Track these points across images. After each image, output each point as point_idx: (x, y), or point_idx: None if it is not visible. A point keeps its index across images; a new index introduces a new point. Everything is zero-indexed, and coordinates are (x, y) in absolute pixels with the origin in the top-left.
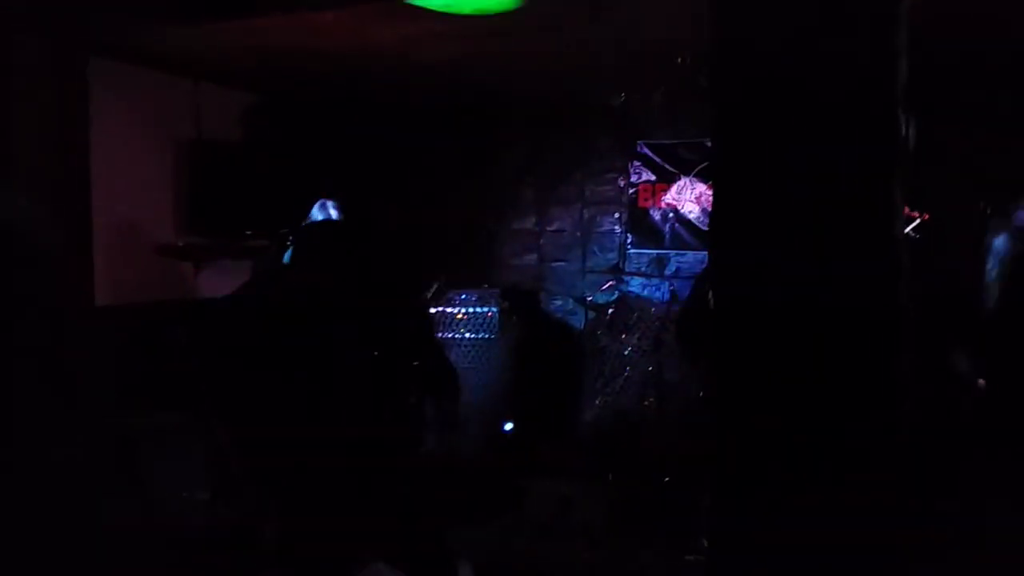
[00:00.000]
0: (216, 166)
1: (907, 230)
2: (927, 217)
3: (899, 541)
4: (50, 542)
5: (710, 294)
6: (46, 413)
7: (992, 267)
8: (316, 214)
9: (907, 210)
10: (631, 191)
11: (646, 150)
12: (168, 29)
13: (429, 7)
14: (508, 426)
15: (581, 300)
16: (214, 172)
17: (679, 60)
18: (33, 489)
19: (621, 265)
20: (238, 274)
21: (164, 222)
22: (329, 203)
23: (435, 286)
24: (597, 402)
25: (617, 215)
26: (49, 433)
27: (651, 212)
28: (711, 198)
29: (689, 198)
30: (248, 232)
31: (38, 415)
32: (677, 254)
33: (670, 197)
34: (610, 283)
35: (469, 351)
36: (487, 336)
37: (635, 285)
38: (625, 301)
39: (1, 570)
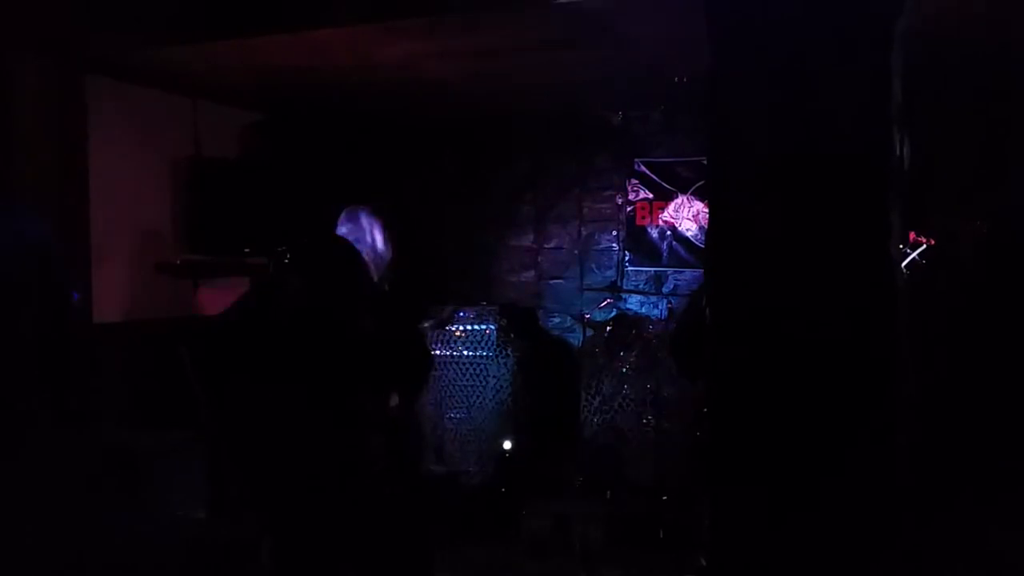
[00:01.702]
0: (214, 183)
1: (913, 255)
2: (932, 243)
3: (897, 558)
4: (50, 559)
5: (706, 311)
6: (44, 430)
7: None
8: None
9: (913, 235)
10: (629, 209)
11: (643, 168)
12: (167, 48)
13: None
14: (507, 444)
15: (579, 318)
16: (212, 189)
17: (677, 79)
18: (32, 508)
19: (619, 283)
20: (236, 291)
21: (162, 239)
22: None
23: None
24: (595, 420)
25: (615, 233)
26: (47, 451)
27: (648, 230)
28: (708, 216)
29: (687, 216)
30: (246, 249)
31: (36, 432)
32: (675, 272)
33: (667, 215)
34: (608, 301)
35: (467, 368)
36: (485, 353)
37: (633, 303)
38: (623, 319)
39: None
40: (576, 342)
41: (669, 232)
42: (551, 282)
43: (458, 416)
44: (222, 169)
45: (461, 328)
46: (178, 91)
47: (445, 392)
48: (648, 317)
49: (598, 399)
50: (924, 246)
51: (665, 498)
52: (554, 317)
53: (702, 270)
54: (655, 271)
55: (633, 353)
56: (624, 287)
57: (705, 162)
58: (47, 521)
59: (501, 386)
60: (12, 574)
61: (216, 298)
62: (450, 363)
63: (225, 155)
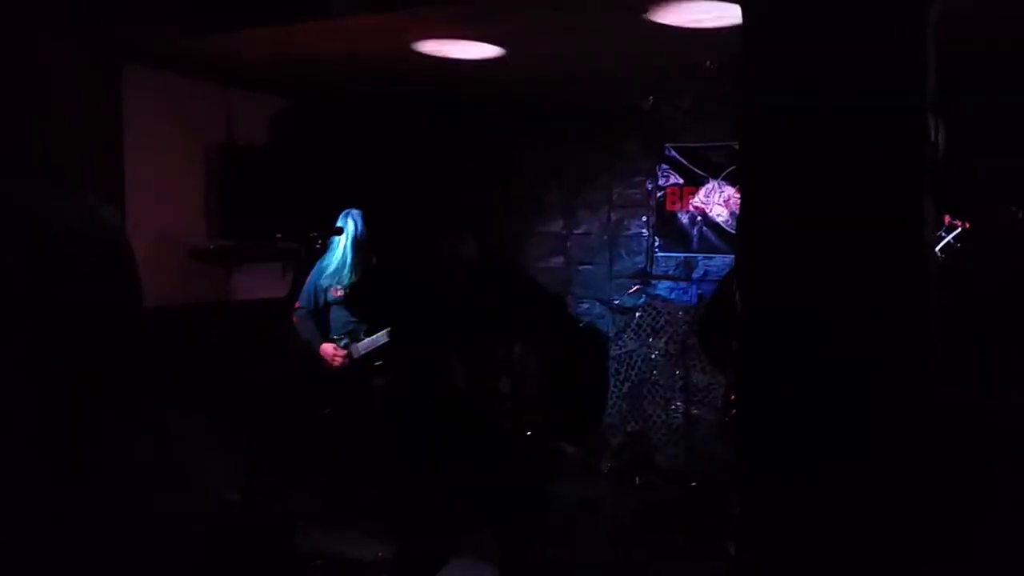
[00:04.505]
0: (247, 170)
1: (948, 238)
2: (968, 226)
3: (927, 547)
4: (92, 540)
5: (736, 297)
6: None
7: None
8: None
9: (948, 219)
10: (659, 194)
11: (674, 153)
12: (201, 36)
13: None
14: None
15: (608, 304)
16: (245, 176)
17: (708, 64)
18: (96, 491)
19: (648, 268)
20: (268, 276)
21: (196, 225)
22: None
23: None
24: (624, 406)
25: (644, 218)
26: (108, 437)
27: (679, 215)
28: (739, 201)
29: (717, 201)
30: (278, 235)
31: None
32: (705, 257)
33: (698, 200)
34: (637, 287)
35: None
36: None
37: (662, 289)
38: (652, 305)
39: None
40: (605, 328)
41: (699, 218)
42: (580, 268)
43: None
44: (254, 155)
45: None
46: (211, 78)
47: None
48: (678, 303)
49: (627, 385)
50: (959, 229)
51: (694, 484)
52: (583, 303)
53: (732, 256)
54: (685, 257)
55: (662, 339)
56: (654, 273)
57: (736, 147)
58: (91, 506)
59: (529, 372)
60: (50, 556)
61: (248, 283)
62: None
63: (257, 142)
